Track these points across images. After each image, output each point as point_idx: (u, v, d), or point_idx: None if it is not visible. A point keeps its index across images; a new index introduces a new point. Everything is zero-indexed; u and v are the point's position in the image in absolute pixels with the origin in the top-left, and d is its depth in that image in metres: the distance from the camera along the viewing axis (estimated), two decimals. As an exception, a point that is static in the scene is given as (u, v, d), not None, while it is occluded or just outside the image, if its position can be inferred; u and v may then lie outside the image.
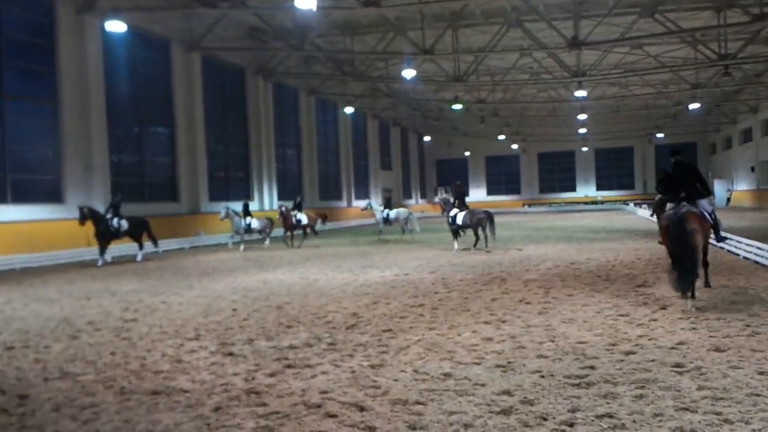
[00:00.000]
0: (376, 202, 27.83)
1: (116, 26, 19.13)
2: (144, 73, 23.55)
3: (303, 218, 21.05)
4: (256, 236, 22.33)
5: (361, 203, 26.09)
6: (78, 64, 19.79)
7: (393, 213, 23.36)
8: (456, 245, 16.28)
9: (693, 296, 7.25)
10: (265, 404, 4.43)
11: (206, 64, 26.27)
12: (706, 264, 8.53)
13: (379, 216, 23.30)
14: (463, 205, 16.31)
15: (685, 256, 7.29)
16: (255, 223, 20.88)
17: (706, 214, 7.96)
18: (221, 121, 28.20)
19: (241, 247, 20.21)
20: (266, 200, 30.57)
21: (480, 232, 15.80)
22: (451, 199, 16.82)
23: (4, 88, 18.00)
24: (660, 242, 9.13)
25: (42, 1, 19.03)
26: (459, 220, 15.90)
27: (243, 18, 26.22)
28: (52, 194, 19.36)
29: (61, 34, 19.40)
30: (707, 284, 8.49)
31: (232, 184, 29.04)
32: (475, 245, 15.90)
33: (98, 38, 20.40)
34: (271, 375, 5.15)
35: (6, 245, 16.49)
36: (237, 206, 21.45)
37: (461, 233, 16.48)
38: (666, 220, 7.84)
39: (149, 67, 23.86)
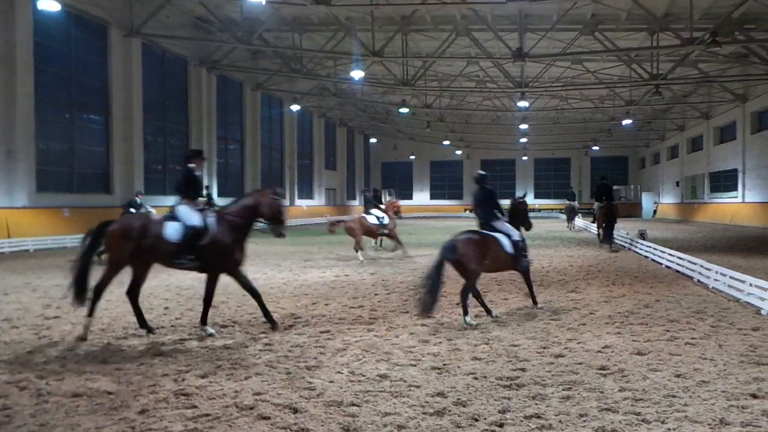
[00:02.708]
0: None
1: (49, 5, 18.06)
2: (78, 56, 22.31)
3: None
4: None
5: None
6: (5, 44, 18.52)
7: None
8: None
9: (610, 246, 16.77)
10: (194, 406, 4.28)
11: (147, 52, 25.23)
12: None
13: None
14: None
15: (610, 222, 16.71)
16: None
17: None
18: (161, 112, 27.17)
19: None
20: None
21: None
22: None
23: None
24: (593, 221, 19.89)
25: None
26: None
27: (187, 6, 25.41)
28: (-31, 180, 18.08)
29: (-13, 9, 18.14)
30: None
31: (170, 177, 28.03)
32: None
33: (28, 17, 19.18)
34: (203, 376, 4.99)
35: None
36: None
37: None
38: (605, 206, 16.93)
39: (84, 50, 22.62)
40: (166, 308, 8.15)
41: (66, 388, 4.69)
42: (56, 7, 18.33)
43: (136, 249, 6.35)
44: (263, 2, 18.49)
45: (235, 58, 30.07)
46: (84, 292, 6.23)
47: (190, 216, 6.54)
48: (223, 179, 31.63)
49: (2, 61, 18.48)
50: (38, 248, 18.06)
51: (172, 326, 6.96)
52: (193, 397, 4.48)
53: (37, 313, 7.80)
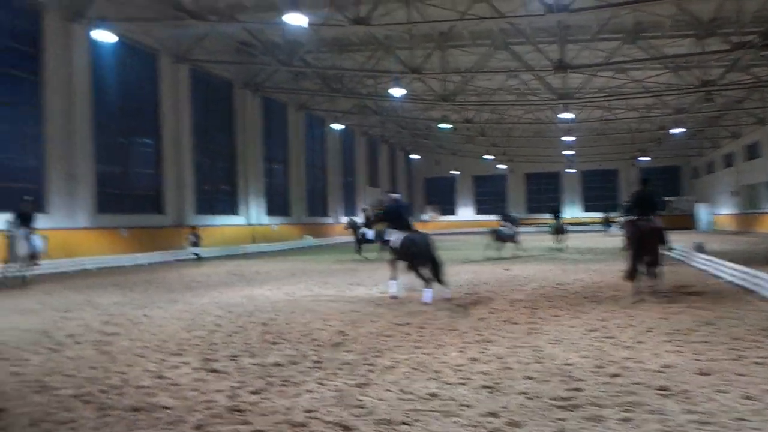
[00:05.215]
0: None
1: (104, 36, 19.11)
2: (131, 83, 23.42)
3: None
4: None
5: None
6: (64, 73, 19.62)
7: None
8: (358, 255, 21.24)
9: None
10: (248, 422, 4.34)
11: (194, 76, 26.25)
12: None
13: None
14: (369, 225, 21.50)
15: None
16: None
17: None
18: (208, 134, 28.10)
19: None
20: (253, 215, 30.40)
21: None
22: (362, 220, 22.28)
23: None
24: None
25: (29, 9, 18.88)
26: (369, 234, 21.37)
27: (232, 32, 26.27)
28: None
29: (48, 41, 19.24)
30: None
31: (218, 197, 28.86)
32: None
33: (86, 47, 20.29)
34: (255, 393, 5.06)
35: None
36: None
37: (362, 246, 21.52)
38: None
39: (137, 77, 23.75)
40: (218, 325, 8.33)
41: (126, 402, 4.85)
42: (112, 38, 19.37)
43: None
44: (305, 25, 18.94)
45: (278, 80, 30.87)
46: (637, 273, 9.93)
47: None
48: (270, 198, 32.31)
49: (63, 90, 19.57)
50: (98, 267, 18.82)
51: (224, 343, 7.10)
52: (246, 413, 4.54)
53: (97, 330, 8.12)
